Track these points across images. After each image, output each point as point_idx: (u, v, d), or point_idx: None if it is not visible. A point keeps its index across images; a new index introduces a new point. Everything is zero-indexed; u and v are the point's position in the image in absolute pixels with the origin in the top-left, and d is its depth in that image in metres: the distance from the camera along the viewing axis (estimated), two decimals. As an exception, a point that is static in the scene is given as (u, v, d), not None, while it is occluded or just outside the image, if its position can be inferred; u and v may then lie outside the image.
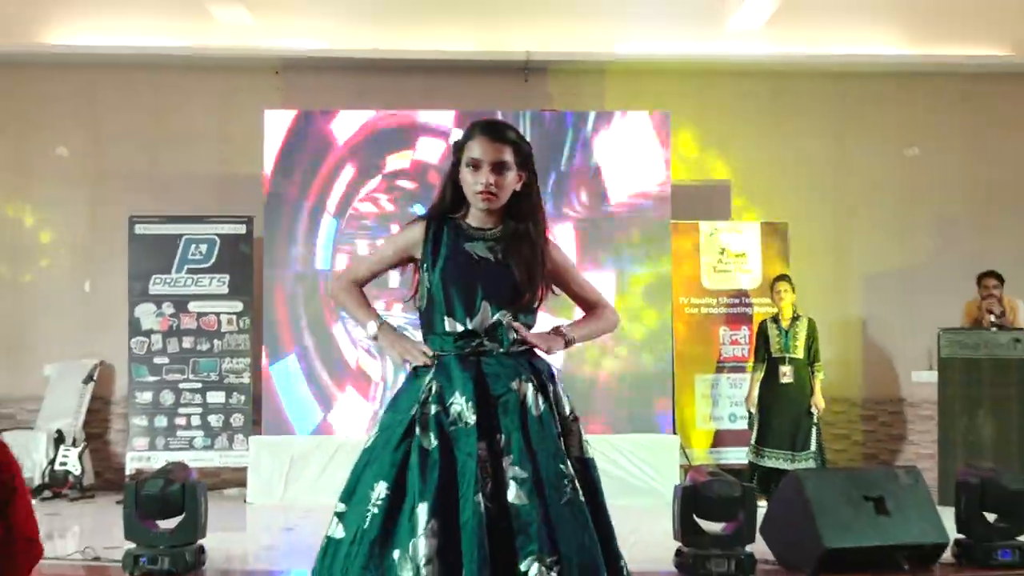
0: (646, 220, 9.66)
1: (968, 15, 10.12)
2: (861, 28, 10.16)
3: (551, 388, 3.24)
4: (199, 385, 9.71)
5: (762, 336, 8.94)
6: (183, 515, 6.07)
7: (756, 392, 8.88)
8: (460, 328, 3.18)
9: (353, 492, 3.10)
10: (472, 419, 3.04)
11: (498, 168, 3.14)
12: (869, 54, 10.24)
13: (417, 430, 3.06)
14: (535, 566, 2.86)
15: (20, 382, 10.02)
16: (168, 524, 6.08)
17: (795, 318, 8.81)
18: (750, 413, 8.99)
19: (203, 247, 9.76)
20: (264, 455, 9.16)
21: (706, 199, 10.28)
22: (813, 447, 8.69)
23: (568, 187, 9.64)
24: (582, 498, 3.01)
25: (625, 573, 3.16)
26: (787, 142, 10.48)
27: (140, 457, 9.46)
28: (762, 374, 8.85)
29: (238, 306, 9.77)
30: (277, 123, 9.67)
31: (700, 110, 10.31)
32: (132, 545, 6.02)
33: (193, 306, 9.74)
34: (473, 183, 3.17)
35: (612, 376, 9.55)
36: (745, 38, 10.08)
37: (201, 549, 6.16)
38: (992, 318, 8.73)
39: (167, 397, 9.67)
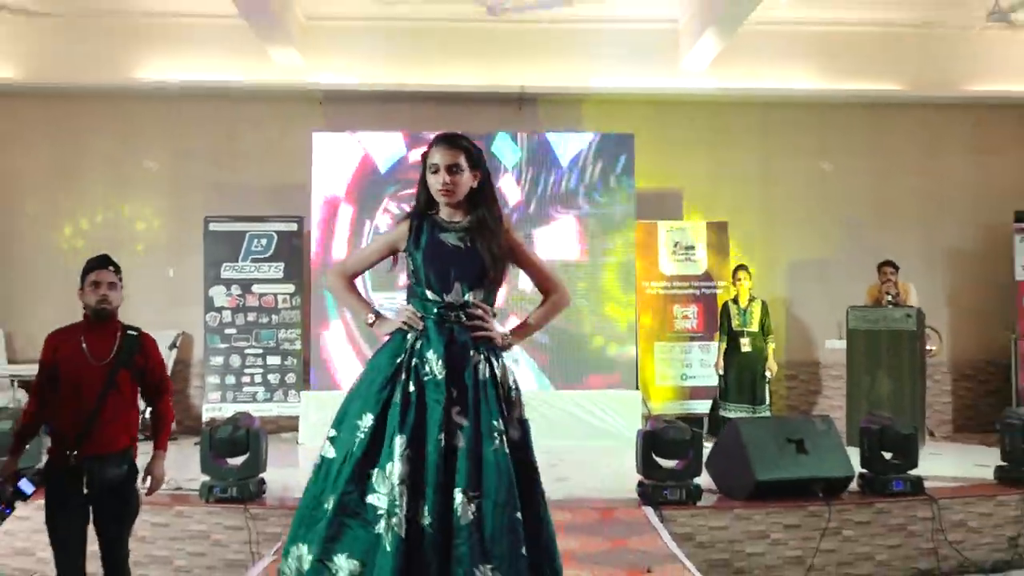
0: (615, 219, 9.70)
1: (871, 56, 10.19)
2: (784, 68, 10.16)
3: (497, 362, 3.26)
4: (260, 351, 9.76)
5: (725, 314, 9.02)
6: (247, 454, 6.14)
7: (721, 359, 8.97)
8: (439, 300, 3.24)
9: (343, 421, 3.16)
10: (441, 374, 3.12)
11: (453, 169, 3.20)
12: (790, 88, 10.22)
13: (402, 376, 3.14)
14: (460, 496, 2.94)
15: (118, 348, 10.04)
16: (236, 461, 6.14)
17: (751, 300, 8.90)
18: (719, 375, 9.07)
19: (263, 241, 9.81)
20: (312, 405, 9.21)
21: (662, 203, 10.29)
22: (767, 401, 8.83)
23: (553, 193, 9.68)
24: (506, 450, 3.06)
25: (544, 510, 3.17)
26: (726, 158, 10.49)
27: (213, 408, 9.51)
28: (725, 344, 8.94)
29: (291, 288, 9.82)
30: (321, 142, 9.71)
31: (658, 132, 10.28)
32: (207, 478, 6.09)
33: (255, 288, 9.78)
34: (434, 183, 3.24)
35: (593, 343, 9.61)
36: (693, 76, 10.09)
37: (262, 481, 6.24)
38: (889, 298, 8.77)
39: (235, 360, 9.72)
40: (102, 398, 4.05)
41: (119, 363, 4.15)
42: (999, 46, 10.26)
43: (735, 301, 8.97)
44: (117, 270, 4.32)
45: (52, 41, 10.00)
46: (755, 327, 8.85)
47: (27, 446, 4.25)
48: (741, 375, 8.86)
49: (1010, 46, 10.26)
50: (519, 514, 3.00)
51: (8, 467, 4.11)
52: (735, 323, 8.90)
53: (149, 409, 4.55)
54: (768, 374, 8.91)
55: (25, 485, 4.04)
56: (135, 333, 4.30)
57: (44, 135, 10.31)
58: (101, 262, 4.29)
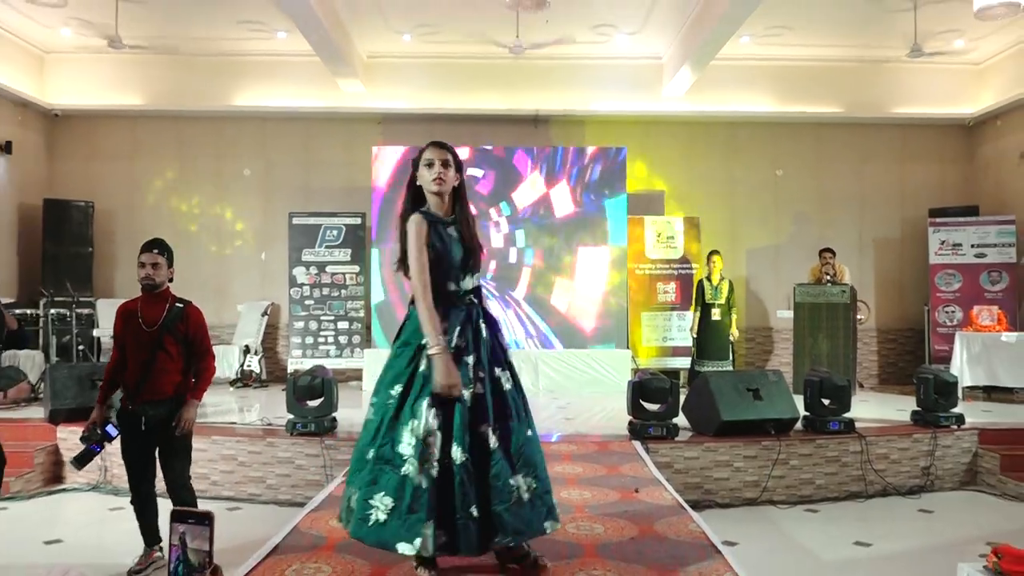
0: (612, 215, 9.64)
1: (815, 85, 10.13)
2: (745, 94, 10.10)
3: (496, 326, 3.19)
4: (332, 318, 9.79)
5: (699, 290, 8.97)
6: (323, 398, 6.16)
7: (696, 325, 8.93)
8: (456, 288, 3.10)
9: (379, 391, 3.09)
10: (462, 343, 3.03)
11: (444, 164, 3.07)
12: (750, 111, 10.14)
13: (425, 353, 2.99)
14: (488, 429, 2.93)
15: (223, 314, 10.12)
16: (313, 403, 6.16)
17: (721, 279, 8.85)
18: (693, 338, 9.03)
19: (335, 232, 9.81)
20: (372, 360, 9.21)
21: (649, 202, 10.24)
22: (731, 358, 8.81)
23: (563, 195, 9.63)
24: (513, 388, 3.08)
25: (528, 425, 3.09)
26: (699, 166, 10.42)
27: (296, 362, 9.55)
28: (699, 314, 8.90)
29: (356, 269, 9.83)
30: (380, 154, 9.69)
31: (645, 146, 10.26)
32: (291, 416, 6.12)
33: (328, 269, 9.80)
34: (428, 176, 3.08)
35: (593, 312, 9.57)
36: (673, 101, 10.03)
37: (334, 419, 6.25)
38: (828, 277, 8.69)
39: (312, 325, 9.75)
40: (152, 356, 4.07)
41: (164, 329, 4.12)
42: (917, 77, 10.16)
43: (708, 279, 8.90)
44: (162, 251, 4.24)
45: (170, 75, 10.03)
46: (723, 300, 8.81)
47: (110, 397, 4.26)
48: (712, 338, 8.82)
49: (925, 77, 10.15)
50: (531, 431, 3.07)
51: (98, 414, 4.17)
52: (708, 297, 8.84)
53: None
54: (732, 337, 8.87)
55: (110, 428, 4.16)
56: (181, 305, 4.24)
57: (164, 149, 10.35)
58: (148, 245, 4.24)
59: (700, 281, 9.04)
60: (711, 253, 8.99)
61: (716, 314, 8.80)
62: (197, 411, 4.30)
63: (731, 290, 8.90)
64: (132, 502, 4.26)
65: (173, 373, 4.17)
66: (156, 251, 4.20)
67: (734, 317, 8.90)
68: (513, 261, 9.58)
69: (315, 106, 10.05)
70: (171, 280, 4.30)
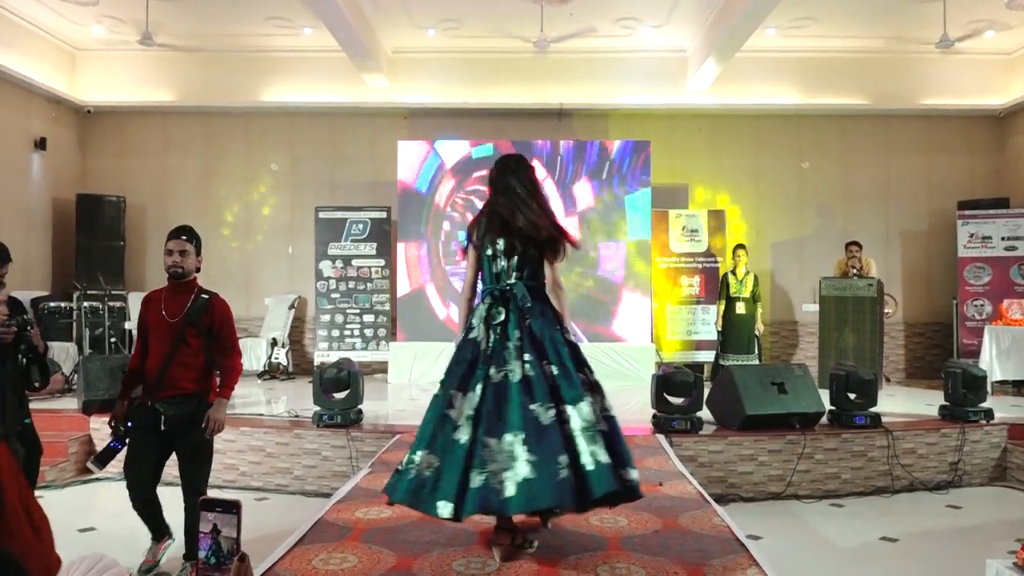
0: (637, 208, 9.60)
1: (841, 77, 10.01)
2: (771, 86, 9.99)
3: (528, 316, 3.23)
4: (358, 311, 9.83)
5: (724, 283, 8.94)
6: (349, 390, 6.18)
7: (720, 319, 8.89)
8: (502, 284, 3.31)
9: (447, 372, 3.29)
10: (501, 327, 3.22)
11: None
12: (775, 103, 10.03)
13: (485, 341, 3.22)
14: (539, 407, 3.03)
15: (251, 308, 10.22)
16: (340, 395, 6.19)
17: (746, 273, 8.81)
18: (717, 331, 9.00)
19: (360, 226, 9.85)
20: (398, 353, 9.29)
21: (673, 195, 10.18)
22: (756, 351, 8.77)
23: (587, 189, 9.60)
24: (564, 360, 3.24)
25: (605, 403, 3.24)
26: (724, 159, 10.34)
27: (322, 354, 9.61)
28: (724, 308, 8.85)
29: (381, 262, 9.86)
30: (405, 149, 9.70)
31: (669, 139, 10.19)
32: (318, 408, 6.16)
33: (355, 262, 9.84)
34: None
35: (616, 306, 9.54)
36: (697, 94, 9.95)
37: (360, 411, 6.28)
38: (854, 271, 8.61)
39: (339, 318, 9.81)
40: (173, 348, 3.84)
41: (187, 321, 3.90)
42: (945, 68, 10.00)
43: (733, 272, 8.86)
44: (191, 239, 4.02)
45: (199, 71, 10.11)
46: (748, 294, 8.77)
47: (134, 391, 4.01)
48: (737, 332, 8.79)
49: (954, 67, 9.98)
50: (581, 374, 3.24)
51: (119, 409, 3.96)
52: (733, 290, 8.81)
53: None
54: (757, 332, 8.81)
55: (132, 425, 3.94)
56: (207, 297, 4.01)
57: (193, 145, 10.45)
58: (176, 232, 4.02)
59: (725, 275, 8.98)
60: (737, 247, 8.93)
61: (741, 308, 8.75)
62: (226, 411, 4.03)
63: (756, 284, 8.84)
64: (134, 507, 4.00)
65: (194, 369, 3.93)
66: (184, 238, 3.99)
67: (759, 311, 8.84)
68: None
69: (341, 101, 10.09)
70: (199, 270, 4.08)
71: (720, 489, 5.70)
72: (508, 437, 2.97)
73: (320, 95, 10.08)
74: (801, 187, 10.40)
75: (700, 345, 9.58)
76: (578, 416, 3.03)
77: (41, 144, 9.47)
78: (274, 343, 9.63)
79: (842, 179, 10.38)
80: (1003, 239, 9.46)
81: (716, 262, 9.68)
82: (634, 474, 3.08)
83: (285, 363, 9.66)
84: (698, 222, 9.80)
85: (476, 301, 3.42)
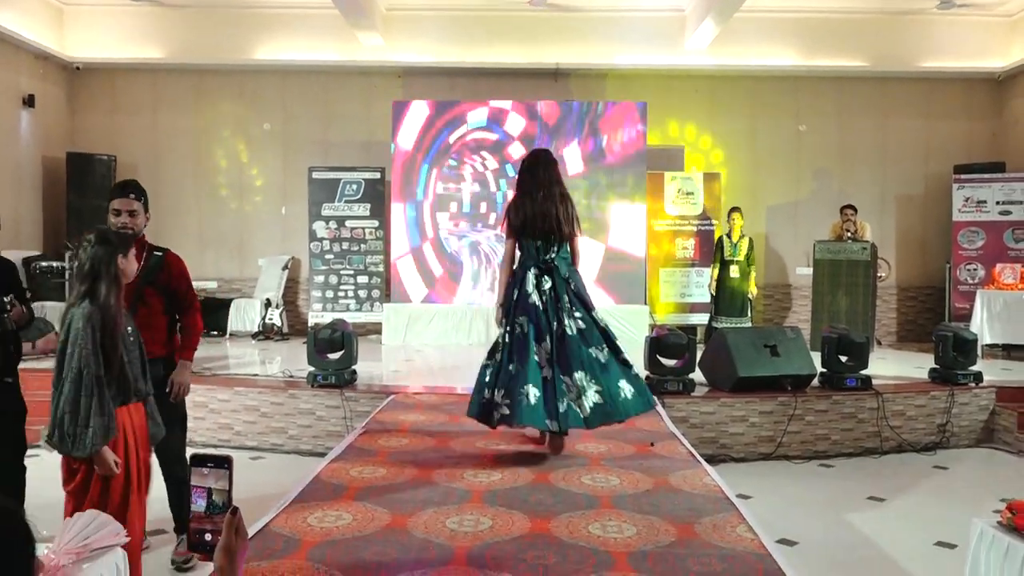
0: (632, 171, 9.56)
1: (839, 38, 9.92)
2: (768, 48, 9.90)
3: (569, 282, 4.29)
4: (352, 272, 9.82)
5: (719, 246, 8.89)
6: (343, 351, 6.20)
7: (714, 282, 8.88)
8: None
9: (507, 324, 4.18)
10: (551, 292, 4.19)
11: None
12: (773, 64, 9.94)
13: (533, 297, 4.14)
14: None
15: (245, 269, 10.21)
16: (334, 356, 6.21)
17: (741, 236, 8.76)
18: (711, 294, 9.01)
19: (354, 186, 9.80)
20: (392, 314, 9.31)
21: (669, 157, 10.13)
22: (749, 315, 8.76)
23: (583, 150, 9.55)
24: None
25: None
26: (720, 121, 10.28)
27: (316, 315, 9.61)
28: (718, 270, 8.84)
29: (375, 223, 9.83)
30: (399, 109, 9.61)
31: (666, 100, 10.11)
32: (312, 368, 6.18)
33: (348, 223, 9.80)
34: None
35: (612, 269, 9.55)
36: (695, 55, 9.85)
37: (354, 371, 6.31)
38: (849, 234, 8.62)
39: (333, 279, 9.80)
40: (133, 312, 3.41)
41: (144, 281, 3.69)
42: (945, 29, 9.91)
43: (728, 236, 8.82)
44: (138, 195, 3.69)
45: (190, 27, 9.96)
46: (742, 257, 8.73)
47: None
48: (730, 295, 8.77)
49: (954, 29, 9.90)
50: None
51: None
52: (727, 253, 8.77)
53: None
54: (750, 295, 8.82)
55: None
56: (160, 253, 3.81)
57: (185, 103, 10.33)
58: (121, 189, 3.69)
59: (720, 238, 8.96)
60: (732, 210, 8.90)
61: (735, 271, 8.73)
62: (190, 373, 3.90)
63: (751, 247, 8.82)
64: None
65: (160, 330, 3.80)
66: (132, 195, 3.66)
67: (753, 275, 8.85)
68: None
69: (334, 60, 9.96)
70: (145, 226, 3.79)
71: (711, 450, 5.76)
72: (578, 375, 4.01)
73: (313, 53, 9.95)
74: (797, 150, 10.35)
75: (693, 308, 9.61)
76: (621, 350, 4.17)
77: (29, 101, 9.35)
78: (268, 304, 9.62)
79: (839, 142, 10.34)
80: (998, 203, 9.46)
81: (711, 225, 9.67)
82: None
83: (279, 324, 9.67)
84: (693, 184, 9.77)
85: (520, 273, 4.24)
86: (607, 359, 4.08)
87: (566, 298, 4.16)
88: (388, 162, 9.70)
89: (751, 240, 8.87)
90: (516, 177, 4.38)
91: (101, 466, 2.80)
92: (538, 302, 4.12)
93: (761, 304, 10.24)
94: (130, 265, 2.98)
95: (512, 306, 4.15)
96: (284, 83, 10.28)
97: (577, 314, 4.15)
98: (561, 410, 3.93)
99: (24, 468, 3.96)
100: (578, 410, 3.95)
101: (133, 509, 2.91)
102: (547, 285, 4.17)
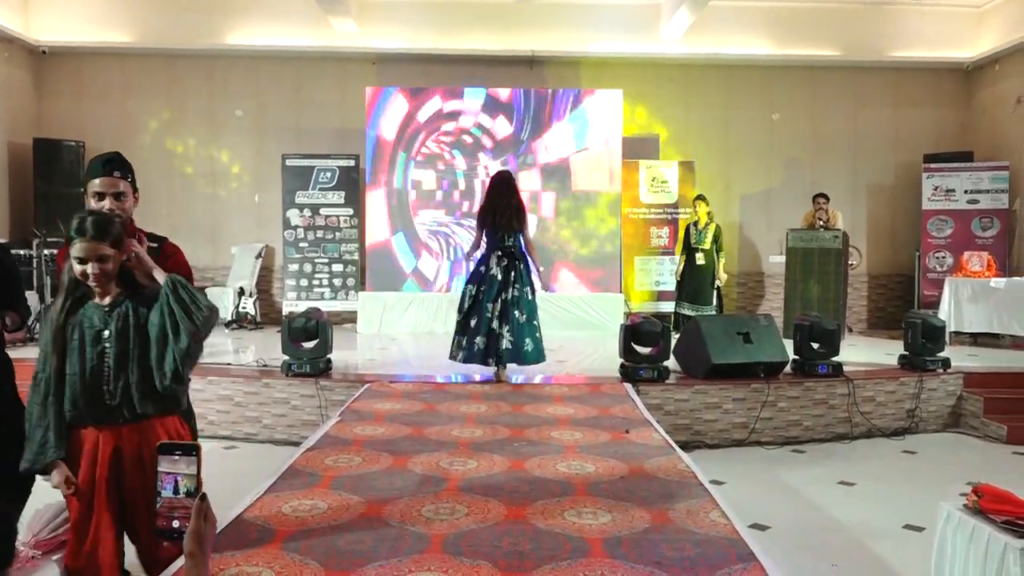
0: (607, 159, 9.57)
1: (811, 28, 10.02)
2: (742, 37, 9.96)
3: (518, 263, 5.93)
4: (327, 260, 9.77)
5: (686, 234, 8.90)
6: (317, 339, 6.16)
7: (680, 268, 8.90)
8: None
9: (462, 298, 5.95)
10: (499, 275, 5.85)
11: None
12: (747, 53, 10.00)
13: (486, 274, 5.86)
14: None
15: (217, 257, 10.10)
16: (308, 345, 6.18)
17: (708, 223, 8.77)
18: (676, 281, 9.02)
19: (328, 174, 9.73)
20: (367, 303, 9.28)
21: (644, 146, 10.14)
22: (713, 303, 8.77)
23: (557, 138, 9.54)
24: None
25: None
26: (695, 109, 10.32)
27: (291, 304, 9.55)
28: (684, 257, 8.87)
29: (350, 211, 9.77)
30: (373, 95, 9.54)
31: (641, 89, 10.13)
32: (286, 357, 6.14)
33: (322, 211, 9.75)
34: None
35: (587, 257, 9.57)
36: (670, 43, 9.88)
37: (329, 360, 6.29)
38: (821, 223, 8.69)
39: (307, 267, 9.74)
40: None
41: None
42: (915, 19, 10.04)
43: (695, 224, 8.85)
44: (125, 173, 3.04)
45: (160, 11, 9.82)
46: (708, 245, 8.72)
47: None
48: (695, 282, 8.77)
49: (924, 19, 10.03)
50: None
51: None
52: (693, 241, 8.78)
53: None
54: (718, 282, 8.84)
55: None
56: (155, 245, 3.19)
57: (155, 88, 10.17)
58: (105, 166, 2.99)
59: (688, 225, 8.99)
60: (696, 198, 8.92)
61: (700, 259, 8.73)
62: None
63: (718, 235, 8.82)
64: None
65: None
66: (118, 174, 2.99)
67: (722, 262, 8.88)
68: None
69: (307, 45, 9.86)
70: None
71: (685, 436, 5.81)
72: (505, 327, 5.83)
73: (286, 38, 9.83)
74: (770, 139, 10.43)
75: (666, 296, 9.65)
76: (535, 316, 6.04)
77: (-5, 86, 9.17)
78: (241, 292, 9.54)
79: (811, 131, 10.43)
80: (966, 192, 9.61)
81: (686, 213, 9.71)
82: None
83: (253, 312, 9.60)
84: (668, 173, 9.81)
85: (484, 255, 5.95)
86: (524, 322, 5.87)
87: (513, 274, 5.85)
88: (362, 149, 9.63)
89: (719, 228, 8.88)
90: (487, 189, 6.02)
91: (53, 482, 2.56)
92: (498, 275, 5.84)
93: (734, 292, 10.33)
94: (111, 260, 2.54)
95: (478, 277, 5.90)
96: (256, 69, 10.16)
97: (517, 286, 5.85)
98: (503, 348, 5.87)
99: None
100: (512, 350, 5.85)
101: (97, 540, 2.57)
102: (504, 263, 5.87)
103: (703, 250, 8.73)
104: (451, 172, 9.56)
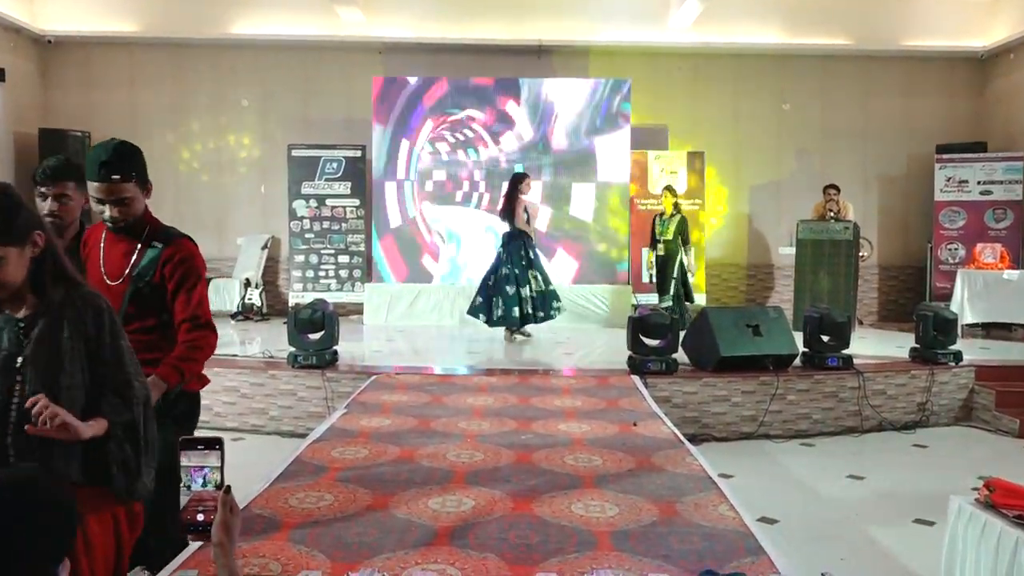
0: (615, 149, 9.55)
1: (822, 16, 9.93)
2: (752, 26, 9.90)
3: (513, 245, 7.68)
4: (333, 251, 9.79)
5: (653, 224, 8.81)
6: (324, 331, 6.18)
7: (652, 261, 8.82)
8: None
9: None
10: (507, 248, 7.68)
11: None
12: (757, 42, 9.94)
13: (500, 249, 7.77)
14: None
15: (223, 248, 10.11)
16: (315, 336, 6.19)
17: (673, 214, 8.62)
18: (650, 274, 8.94)
19: (335, 164, 9.74)
20: (374, 294, 9.28)
21: (652, 136, 10.11)
22: (671, 293, 8.57)
23: (567, 127, 9.52)
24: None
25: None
26: (704, 99, 10.26)
27: (297, 295, 9.58)
28: (653, 251, 8.80)
29: (357, 202, 9.78)
30: (380, 85, 9.53)
31: (650, 79, 10.07)
32: (293, 349, 6.16)
33: (329, 202, 9.76)
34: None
35: (595, 248, 9.56)
36: (679, 32, 9.82)
37: (335, 352, 6.30)
38: (831, 214, 8.66)
39: (313, 258, 9.76)
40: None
41: (137, 279, 2.69)
42: (928, 8, 9.95)
43: (661, 215, 8.75)
44: (129, 170, 2.60)
45: (166, 1, 9.81)
46: (670, 236, 8.57)
47: None
48: (659, 274, 8.69)
49: (937, 8, 9.94)
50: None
51: None
52: (657, 231, 8.70)
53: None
54: (688, 274, 8.70)
55: None
56: (159, 245, 2.73)
57: (161, 78, 10.17)
58: (103, 167, 2.55)
59: (655, 216, 8.87)
60: (664, 188, 8.80)
61: (660, 249, 8.64)
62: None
63: (682, 226, 8.61)
64: None
65: (156, 349, 2.68)
66: (117, 177, 2.56)
67: (691, 253, 8.73)
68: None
69: (313, 35, 9.84)
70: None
71: (693, 429, 5.80)
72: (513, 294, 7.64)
73: (292, 28, 9.82)
74: (781, 129, 10.37)
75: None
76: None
77: (0, 75, 9.17)
78: (247, 283, 9.57)
79: (822, 122, 10.37)
80: (979, 183, 9.54)
81: (695, 204, 9.68)
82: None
83: (259, 304, 9.62)
84: (677, 164, 9.78)
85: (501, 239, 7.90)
86: (512, 291, 7.61)
87: (507, 253, 7.75)
88: (369, 140, 9.63)
89: (684, 219, 8.68)
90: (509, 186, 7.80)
91: None
92: (502, 253, 7.77)
93: (744, 284, 10.31)
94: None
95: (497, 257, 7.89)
96: (262, 59, 10.15)
97: (512, 262, 7.67)
98: (497, 315, 7.71)
99: None
100: (529, 312, 7.74)
101: None
102: (503, 243, 7.82)
103: (664, 241, 8.62)
104: (459, 163, 9.54)
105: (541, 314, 7.75)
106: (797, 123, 10.35)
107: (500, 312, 7.67)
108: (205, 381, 2.93)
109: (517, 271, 7.65)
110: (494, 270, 7.76)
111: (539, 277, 7.76)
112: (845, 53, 10.13)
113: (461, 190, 9.54)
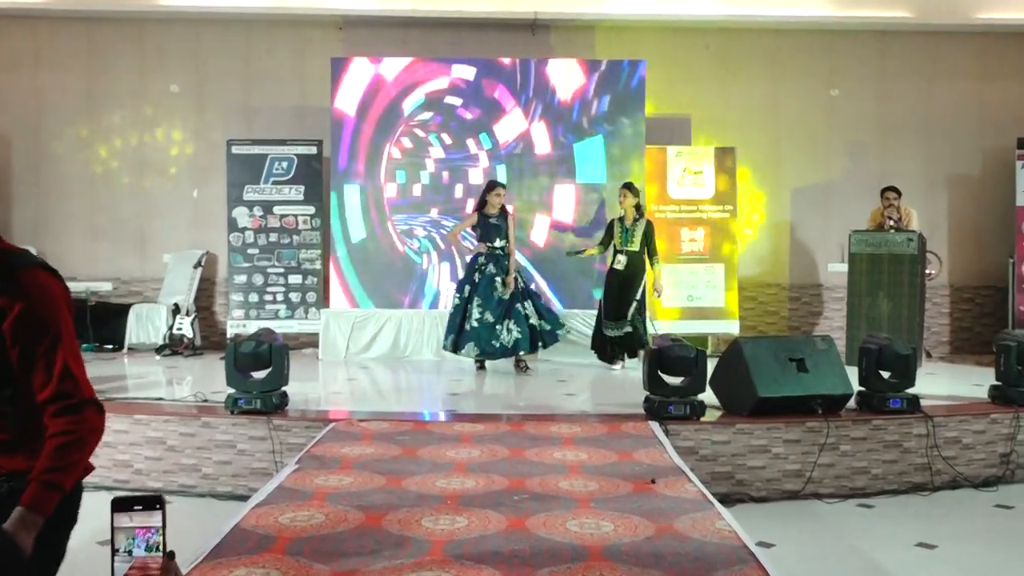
0: (626, 144, 9.60)
1: (881, -16, 9.99)
2: (795, -5, 10.00)
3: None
4: (282, 270, 9.77)
5: (609, 231, 8.62)
6: (270, 368, 6.09)
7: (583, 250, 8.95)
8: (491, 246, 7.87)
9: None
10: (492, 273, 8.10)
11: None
12: (799, 15, 10.01)
13: (476, 275, 8.18)
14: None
15: (146, 267, 10.10)
16: (259, 375, 6.11)
17: (636, 220, 8.46)
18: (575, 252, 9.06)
19: (284, 163, 9.76)
20: (331, 323, 9.26)
21: (671, 129, 10.18)
22: (629, 318, 8.38)
23: (566, 117, 9.57)
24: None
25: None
26: (734, 84, 10.35)
27: (237, 324, 9.55)
28: (599, 255, 8.83)
29: (311, 209, 9.79)
30: (340, 67, 9.59)
31: (669, 59, 10.16)
32: (232, 390, 6.08)
33: (277, 209, 9.77)
34: (495, 201, 8.26)
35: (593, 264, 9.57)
36: (704, 4, 9.90)
37: (284, 394, 6.22)
38: (891, 222, 8.71)
39: (258, 279, 9.74)
40: None
41: None
42: (1007, -27, 10.04)
43: (621, 219, 8.56)
44: None
45: (76, -34, 9.86)
46: (636, 247, 8.40)
47: None
48: (613, 292, 8.45)
49: (1018, -26, 10.03)
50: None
51: None
52: (618, 242, 8.49)
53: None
54: (657, 292, 8.62)
55: None
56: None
57: (71, 58, 10.21)
58: None
59: (612, 221, 8.68)
60: (623, 186, 8.64)
61: (621, 263, 8.43)
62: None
63: (648, 234, 8.49)
64: None
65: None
66: None
67: (658, 268, 8.59)
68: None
69: (259, 7, 9.88)
70: None
71: (726, 487, 5.78)
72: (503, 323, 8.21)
73: (232, -1, 9.89)
74: (829, 120, 10.45)
75: (702, 313, 9.64)
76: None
77: None
78: (176, 310, 9.53)
79: (878, 111, 10.45)
80: (1070, 185, 9.62)
81: (724, 211, 9.72)
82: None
83: (190, 335, 9.57)
84: (703, 162, 9.83)
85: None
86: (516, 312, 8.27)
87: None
88: (327, 134, 9.65)
89: (649, 224, 8.56)
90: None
91: None
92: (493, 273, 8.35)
93: (785, 308, 10.33)
94: None
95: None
96: (196, 35, 10.20)
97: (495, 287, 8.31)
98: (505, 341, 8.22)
99: None
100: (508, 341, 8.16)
101: None
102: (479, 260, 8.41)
103: (629, 252, 8.42)
104: (436, 162, 9.57)
105: (548, 328, 8.32)
106: (849, 113, 10.43)
107: (510, 337, 8.13)
108: (89, 469, 2.28)
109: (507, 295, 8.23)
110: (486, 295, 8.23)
111: (531, 303, 8.35)
112: (906, 28, 10.23)
113: (438, 195, 9.56)
